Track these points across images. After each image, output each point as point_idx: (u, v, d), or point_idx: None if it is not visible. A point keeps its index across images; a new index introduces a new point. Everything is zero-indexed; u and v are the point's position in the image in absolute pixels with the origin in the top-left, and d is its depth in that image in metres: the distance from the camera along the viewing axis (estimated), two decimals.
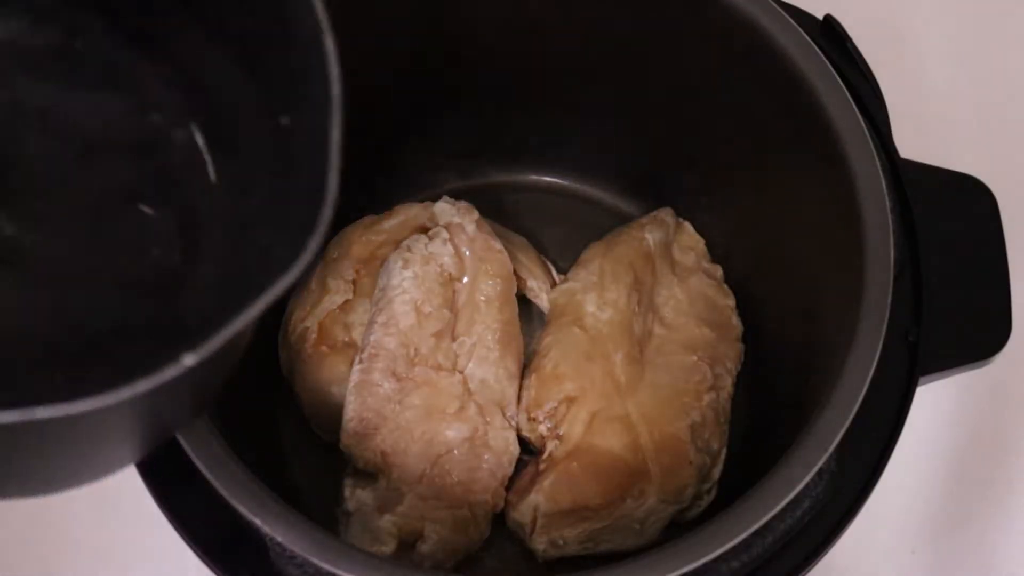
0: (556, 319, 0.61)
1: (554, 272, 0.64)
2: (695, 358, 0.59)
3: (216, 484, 0.43)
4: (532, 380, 0.59)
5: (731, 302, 0.63)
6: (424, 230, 0.61)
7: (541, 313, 0.63)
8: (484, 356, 0.58)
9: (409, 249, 0.59)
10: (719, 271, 0.64)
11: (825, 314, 0.53)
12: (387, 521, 0.55)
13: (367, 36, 0.57)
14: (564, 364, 0.58)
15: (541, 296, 0.63)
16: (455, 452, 0.56)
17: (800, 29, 0.51)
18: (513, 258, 0.61)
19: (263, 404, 0.62)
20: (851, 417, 0.44)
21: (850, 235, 0.48)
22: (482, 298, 0.59)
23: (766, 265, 0.62)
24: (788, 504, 0.44)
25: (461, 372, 0.57)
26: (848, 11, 0.56)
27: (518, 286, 0.62)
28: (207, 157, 0.39)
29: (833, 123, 0.49)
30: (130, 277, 0.39)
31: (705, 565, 0.43)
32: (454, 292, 0.59)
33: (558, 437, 0.57)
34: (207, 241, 0.39)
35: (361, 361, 0.57)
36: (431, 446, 0.56)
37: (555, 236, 0.67)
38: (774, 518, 0.44)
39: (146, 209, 0.39)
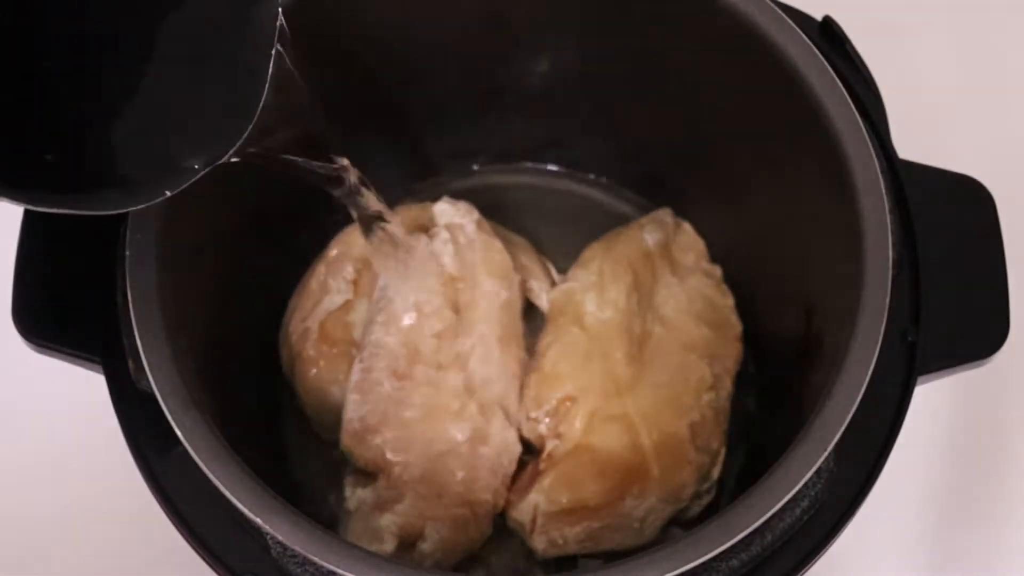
0: (556, 319, 0.61)
1: (554, 272, 0.64)
2: (694, 358, 0.59)
3: (218, 483, 0.43)
4: (532, 380, 0.59)
5: (730, 302, 0.63)
6: (425, 230, 0.61)
7: (541, 313, 0.63)
8: (485, 356, 0.58)
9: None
10: (718, 271, 0.64)
11: (824, 314, 0.54)
12: (387, 520, 0.55)
13: (367, 36, 0.58)
14: (564, 364, 0.58)
15: (541, 296, 0.63)
16: (456, 451, 0.56)
17: (799, 30, 0.51)
18: (513, 258, 0.62)
19: (263, 404, 0.62)
20: (850, 416, 0.44)
21: (849, 235, 0.48)
22: (482, 298, 0.59)
23: (765, 265, 0.62)
24: (787, 503, 0.44)
25: (462, 371, 0.57)
26: (847, 12, 0.56)
27: (518, 286, 0.62)
28: None
29: (832, 124, 0.49)
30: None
31: (704, 564, 0.43)
32: (455, 292, 0.59)
33: (558, 436, 0.57)
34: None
35: (362, 360, 0.57)
36: (432, 445, 0.56)
37: (555, 236, 0.67)
38: (773, 517, 0.44)
39: None
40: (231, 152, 0.41)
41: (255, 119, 0.41)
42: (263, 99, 0.41)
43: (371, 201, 0.52)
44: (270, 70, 0.41)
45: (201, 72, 0.42)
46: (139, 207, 0.40)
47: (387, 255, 0.56)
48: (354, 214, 0.53)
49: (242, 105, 0.41)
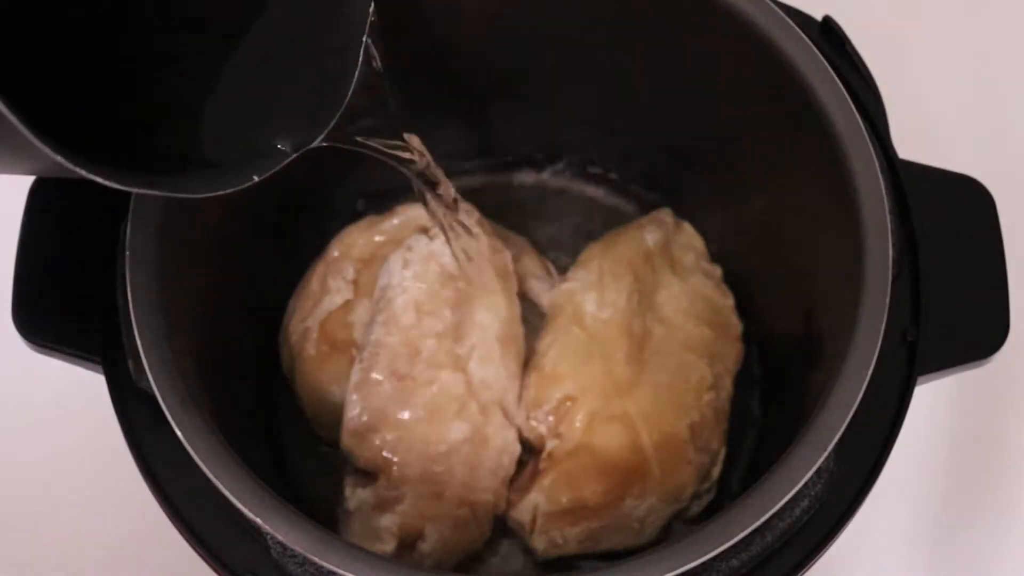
0: (556, 319, 0.61)
1: (554, 272, 0.64)
2: (694, 358, 0.59)
3: (218, 484, 0.43)
4: (532, 380, 0.59)
5: (730, 302, 0.63)
6: (425, 230, 0.61)
7: (541, 313, 0.63)
8: (485, 356, 0.58)
9: (410, 249, 0.59)
10: (718, 271, 0.64)
11: (824, 314, 0.54)
12: (388, 520, 0.55)
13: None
14: (564, 364, 0.58)
15: (541, 296, 0.63)
16: (456, 451, 0.56)
17: (799, 30, 0.51)
18: (513, 258, 0.62)
19: (263, 404, 0.62)
20: (850, 416, 0.44)
21: (849, 235, 0.48)
22: (482, 298, 0.59)
23: (765, 265, 0.62)
24: (787, 503, 0.44)
25: (462, 371, 0.57)
26: (847, 12, 0.56)
27: (518, 286, 0.62)
28: None
29: (832, 124, 0.49)
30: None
31: (704, 564, 0.43)
32: (455, 292, 0.59)
33: (558, 436, 0.57)
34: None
35: (362, 360, 0.57)
36: (432, 445, 0.56)
37: (555, 236, 0.67)
38: (773, 517, 0.44)
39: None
40: (320, 138, 0.41)
41: (344, 105, 0.41)
42: (352, 86, 0.41)
43: (445, 187, 0.52)
44: (360, 58, 0.41)
45: (292, 59, 0.42)
46: (226, 192, 0.40)
47: (459, 248, 0.57)
48: (427, 202, 0.53)
49: (332, 91, 0.42)
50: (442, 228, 0.55)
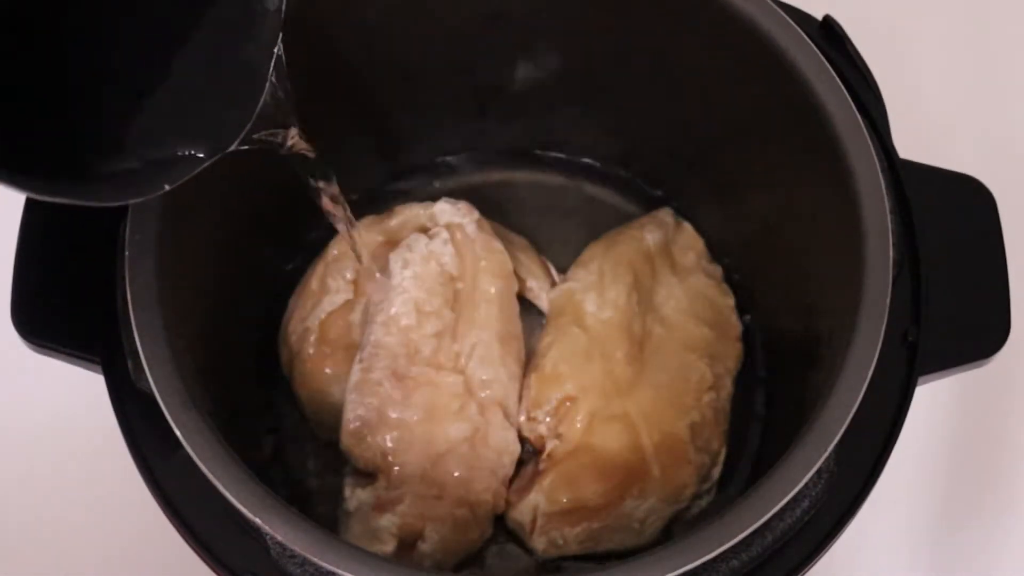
0: (556, 319, 0.61)
1: (554, 272, 0.64)
2: (695, 358, 0.59)
3: (217, 484, 0.43)
4: (532, 380, 0.59)
5: (731, 301, 0.63)
6: (424, 230, 0.61)
7: (541, 313, 0.63)
8: (485, 356, 0.58)
9: (410, 249, 0.59)
10: (719, 271, 0.64)
11: (824, 314, 0.53)
12: (387, 521, 0.55)
13: (368, 30, 0.58)
14: (564, 364, 0.58)
15: (541, 296, 0.63)
16: (456, 451, 0.56)
17: (799, 29, 0.51)
18: (513, 258, 0.62)
19: (263, 404, 0.62)
20: (850, 417, 0.44)
21: (849, 235, 0.48)
22: (482, 298, 0.59)
23: (766, 265, 0.62)
24: (787, 503, 0.44)
25: (462, 372, 0.57)
26: (847, 12, 0.56)
27: (518, 286, 0.62)
28: None
29: (832, 124, 0.49)
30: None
31: (705, 564, 0.43)
32: (454, 292, 0.59)
33: (558, 437, 0.57)
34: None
35: (361, 360, 0.57)
36: (431, 445, 0.56)
37: (555, 236, 0.67)
38: (774, 517, 0.44)
39: None
40: (230, 148, 0.42)
41: (254, 117, 0.42)
42: (262, 101, 0.42)
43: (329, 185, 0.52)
44: (270, 72, 0.42)
45: (206, 72, 0.43)
46: (137, 200, 0.41)
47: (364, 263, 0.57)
48: (319, 196, 0.53)
49: (242, 104, 0.43)
50: (334, 221, 0.55)
